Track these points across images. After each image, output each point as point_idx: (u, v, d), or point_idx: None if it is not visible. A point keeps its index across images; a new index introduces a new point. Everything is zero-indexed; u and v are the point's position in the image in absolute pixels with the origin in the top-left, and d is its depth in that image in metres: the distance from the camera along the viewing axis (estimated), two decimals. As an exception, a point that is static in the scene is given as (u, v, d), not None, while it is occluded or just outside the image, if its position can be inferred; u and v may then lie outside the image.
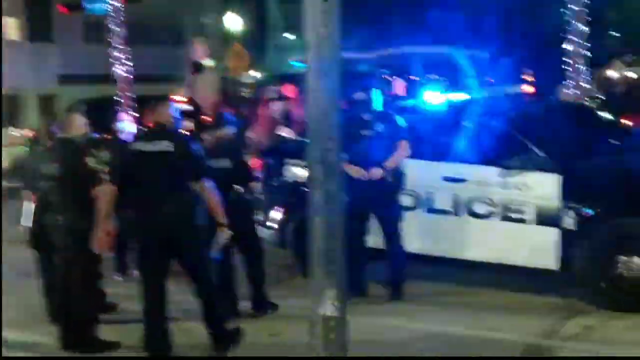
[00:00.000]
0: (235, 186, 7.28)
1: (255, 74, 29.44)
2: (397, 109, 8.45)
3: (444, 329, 6.69)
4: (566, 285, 7.64)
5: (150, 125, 6.52)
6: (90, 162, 6.80)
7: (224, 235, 6.41)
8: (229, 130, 7.47)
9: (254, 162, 7.42)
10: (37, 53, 28.90)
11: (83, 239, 6.52)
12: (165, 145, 6.18)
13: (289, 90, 16.32)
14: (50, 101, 29.10)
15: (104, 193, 6.34)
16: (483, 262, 7.93)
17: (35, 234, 7.42)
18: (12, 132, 24.80)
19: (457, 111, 8.72)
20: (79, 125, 7.06)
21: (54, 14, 27.49)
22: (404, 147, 7.84)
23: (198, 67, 25.00)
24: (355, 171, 7.65)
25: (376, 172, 7.70)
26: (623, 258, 7.22)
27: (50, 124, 7.72)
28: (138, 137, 6.84)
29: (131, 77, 14.55)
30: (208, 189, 6.30)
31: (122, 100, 14.27)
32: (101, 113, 10.47)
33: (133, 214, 6.30)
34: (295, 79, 17.31)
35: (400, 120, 7.96)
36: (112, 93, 18.32)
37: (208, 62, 27.54)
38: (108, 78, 25.59)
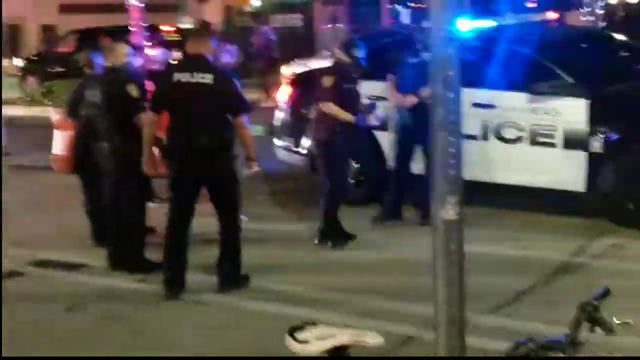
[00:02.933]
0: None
1: (257, 3, 29.36)
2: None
3: (485, 249, 6.95)
4: (593, 206, 7.90)
5: (190, 55, 6.56)
6: (133, 90, 6.94)
7: (252, 170, 6.66)
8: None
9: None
10: (37, -17, 28.76)
11: (129, 163, 6.74)
12: (206, 79, 6.25)
13: None
14: (51, 31, 29.01)
15: (146, 121, 6.55)
16: (512, 185, 8.17)
17: (79, 159, 7.60)
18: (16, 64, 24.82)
19: (485, 38, 8.87)
20: (123, 54, 7.19)
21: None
22: None
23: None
24: (396, 98, 8.00)
25: (410, 99, 7.88)
26: (649, 180, 7.49)
27: (92, 52, 7.83)
28: (177, 67, 6.95)
29: (143, 6, 14.52)
30: (243, 125, 6.45)
31: (135, 30, 14.26)
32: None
33: (169, 142, 6.47)
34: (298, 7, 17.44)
35: None
36: (117, 22, 18.28)
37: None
38: (108, 8, 25.36)
